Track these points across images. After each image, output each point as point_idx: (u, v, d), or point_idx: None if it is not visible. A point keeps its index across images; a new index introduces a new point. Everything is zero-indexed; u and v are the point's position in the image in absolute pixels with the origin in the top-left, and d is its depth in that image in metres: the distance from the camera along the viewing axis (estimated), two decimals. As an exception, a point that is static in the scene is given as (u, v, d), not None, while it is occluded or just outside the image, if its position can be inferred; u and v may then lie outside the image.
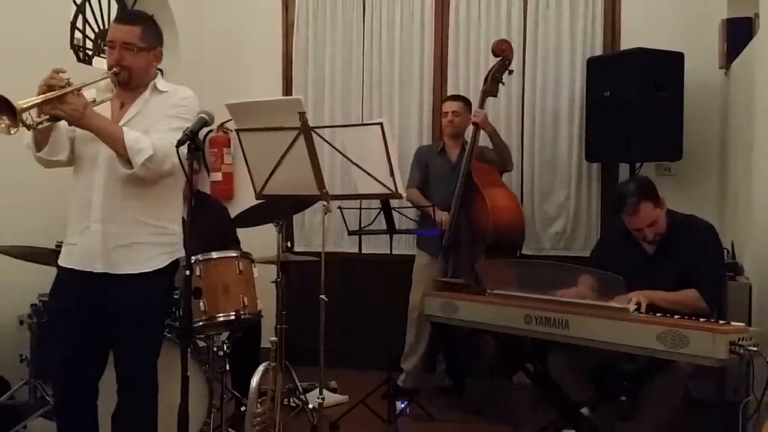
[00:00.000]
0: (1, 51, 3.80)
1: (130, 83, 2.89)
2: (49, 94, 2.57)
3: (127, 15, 2.96)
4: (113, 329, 2.87)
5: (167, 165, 2.78)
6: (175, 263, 2.98)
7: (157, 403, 2.98)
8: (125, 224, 2.84)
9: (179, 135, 2.68)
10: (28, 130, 2.62)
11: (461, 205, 4.63)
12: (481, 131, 4.69)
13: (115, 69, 2.84)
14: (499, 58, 4.73)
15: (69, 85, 2.62)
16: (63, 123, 2.73)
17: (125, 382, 2.91)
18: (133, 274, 2.85)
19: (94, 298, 2.84)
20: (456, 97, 4.95)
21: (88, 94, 2.78)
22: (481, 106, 4.74)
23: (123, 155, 2.72)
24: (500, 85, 4.77)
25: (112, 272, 2.83)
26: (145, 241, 2.88)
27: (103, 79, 2.85)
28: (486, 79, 4.77)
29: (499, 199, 4.62)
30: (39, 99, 2.55)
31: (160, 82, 2.99)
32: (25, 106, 2.49)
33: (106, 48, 2.93)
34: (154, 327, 3.00)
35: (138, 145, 2.71)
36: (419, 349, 4.87)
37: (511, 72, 4.80)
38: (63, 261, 2.92)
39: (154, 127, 2.82)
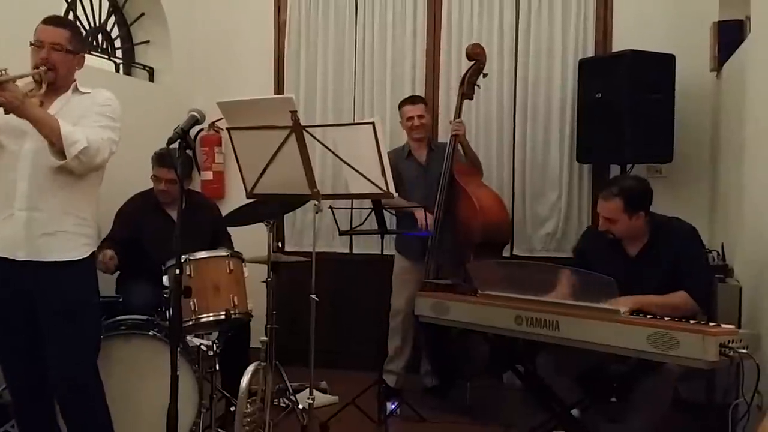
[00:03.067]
0: (-9, 47, 3.79)
1: (54, 83, 2.94)
2: None
3: (56, 18, 3.04)
4: (43, 326, 2.88)
5: (98, 159, 2.87)
6: (93, 256, 3.05)
7: (104, 402, 3.00)
8: (52, 213, 2.89)
9: (110, 133, 2.88)
10: None
11: (444, 206, 4.64)
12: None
13: (43, 68, 2.88)
14: (474, 62, 4.77)
15: (5, 75, 2.66)
16: None
17: (61, 386, 2.92)
18: (58, 261, 2.88)
19: (24, 290, 2.86)
20: (416, 99, 4.93)
21: (22, 87, 2.81)
22: (459, 108, 4.79)
23: (56, 145, 2.76)
24: (476, 87, 4.82)
25: (35, 260, 2.85)
26: (70, 231, 2.93)
27: (34, 73, 2.88)
28: (462, 83, 4.80)
29: (485, 199, 4.68)
30: None
31: (80, 85, 3.06)
32: None
33: (31, 47, 2.96)
34: (87, 324, 2.99)
35: (73, 136, 2.77)
36: (405, 352, 4.87)
37: (485, 75, 4.84)
38: None
39: (80, 124, 2.86)
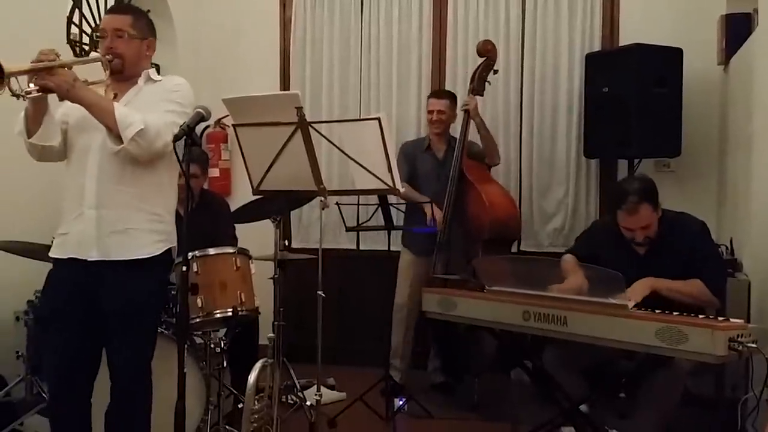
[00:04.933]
0: (-3, 46, 3.79)
1: (122, 72, 2.88)
2: (39, 64, 2.58)
3: (118, 5, 2.99)
4: (108, 324, 2.84)
5: (159, 143, 2.75)
6: (168, 253, 2.96)
7: (151, 401, 2.96)
8: (121, 209, 2.81)
9: (174, 117, 2.75)
10: (17, 99, 2.59)
11: (453, 202, 4.63)
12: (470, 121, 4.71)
13: (108, 56, 2.83)
14: (484, 59, 4.76)
15: (57, 60, 2.62)
16: (57, 113, 2.74)
17: (119, 380, 2.88)
18: (129, 260, 2.81)
19: (90, 290, 2.80)
20: (442, 94, 4.92)
21: (81, 76, 2.76)
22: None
23: (113, 129, 2.69)
24: (486, 84, 4.79)
25: (107, 259, 2.79)
26: (141, 227, 2.85)
27: (94, 60, 2.84)
28: (473, 78, 4.79)
29: (495, 195, 4.66)
30: (28, 66, 2.56)
31: (153, 73, 2.99)
32: (14, 69, 2.50)
33: (98, 40, 2.93)
34: (149, 323, 2.97)
35: (128, 119, 2.68)
36: (407, 348, 4.85)
37: (496, 72, 4.83)
38: (56, 252, 2.88)
39: (148, 110, 2.79)
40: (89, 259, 2.79)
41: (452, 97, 4.91)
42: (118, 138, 2.69)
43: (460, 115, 4.84)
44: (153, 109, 2.80)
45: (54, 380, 2.97)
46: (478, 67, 4.78)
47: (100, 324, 2.84)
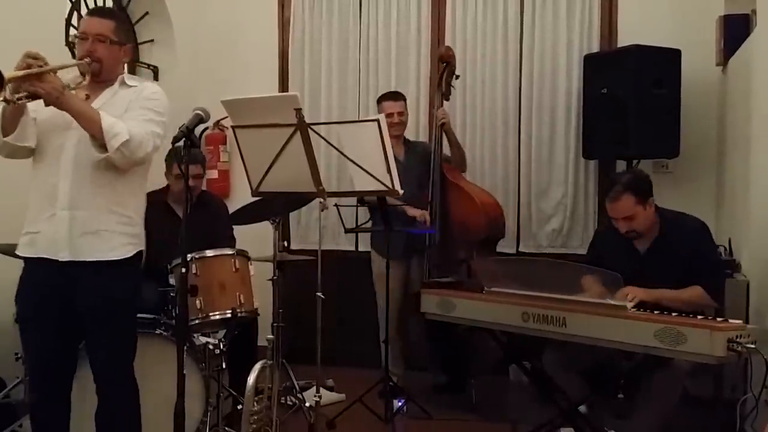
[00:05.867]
0: (-4, 48, 3.79)
1: (99, 75, 2.90)
2: (31, 70, 2.57)
3: (101, 9, 3.00)
4: (85, 326, 2.86)
5: (141, 153, 2.79)
6: (139, 256, 2.97)
7: (139, 399, 2.98)
8: (94, 211, 2.82)
9: (154, 127, 2.80)
10: (7, 104, 2.60)
11: (440, 205, 4.63)
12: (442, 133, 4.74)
13: (87, 59, 2.85)
14: (446, 64, 4.78)
15: (45, 66, 2.62)
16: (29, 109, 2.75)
17: (102, 381, 2.90)
18: (100, 261, 2.82)
19: (64, 291, 2.82)
20: (398, 96, 4.88)
21: (70, 79, 2.78)
22: (441, 106, 4.78)
23: (98, 138, 2.70)
24: (452, 88, 4.83)
25: (78, 260, 2.80)
26: (112, 230, 2.86)
27: (77, 64, 2.85)
28: (440, 84, 4.79)
29: (483, 195, 4.70)
30: (22, 73, 2.56)
31: (128, 78, 3.02)
32: (11, 76, 2.51)
33: (77, 40, 2.93)
34: (125, 323, 2.97)
35: (114, 129, 2.70)
36: (395, 351, 4.78)
37: (457, 77, 4.86)
38: (25, 250, 2.89)
39: (124, 117, 2.81)
40: (60, 260, 2.80)
41: (404, 97, 4.91)
42: (102, 146, 2.71)
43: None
44: (130, 115, 2.83)
45: (32, 381, 3.01)
46: (443, 73, 4.78)
47: (76, 324, 2.86)
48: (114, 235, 2.86)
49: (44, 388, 2.93)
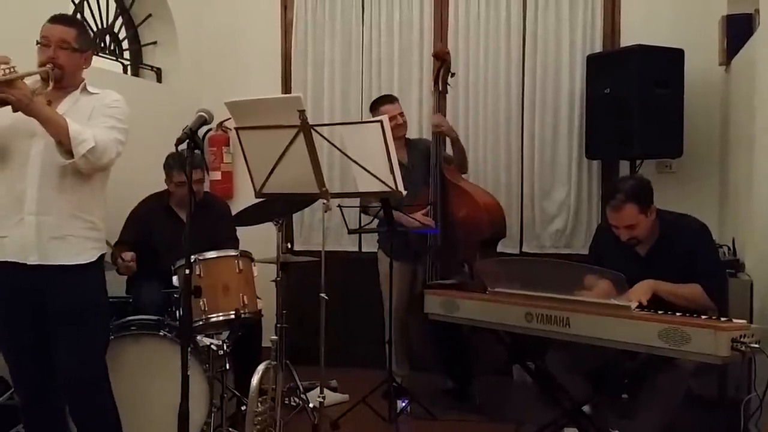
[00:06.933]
0: (-1, 50, 3.80)
1: (61, 82, 2.93)
2: (6, 76, 2.61)
3: (63, 16, 3.03)
4: (52, 329, 2.89)
5: (105, 159, 2.87)
6: (101, 259, 3.04)
7: (113, 403, 3.01)
8: (60, 217, 2.88)
9: (117, 134, 2.89)
10: None
11: (441, 206, 4.61)
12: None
13: (50, 66, 2.87)
14: (442, 61, 4.76)
15: (14, 73, 2.65)
16: None
17: (70, 387, 2.93)
18: (67, 265, 2.88)
19: (34, 293, 2.86)
20: (394, 99, 4.86)
21: (29, 85, 2.80)
22: (439, 108, 4.75)
23: (64, 144, 2.75)
24: (448, 86, 4.82)
25: (45, 263, 2.85)
26: (78, 234, 2.93)
27: (41, 71, 2.87)
28: (436, 82, 4.77)
29: (484, 196, 4.70)
30: None
31: (89, 85, 3.06)
32: None
33: (38, 46, 2.96)
34: (95, 326, 3.00)
35: (81, 135, 2.76)
36: (399, 353, 4.80)
37: (453, 75, 4.84)
38: None
39: (88, 124, 2.86)
40: (28, 263, 2.85)
41: (398, 99, 4.90)
42: (68, 152, 2.76)
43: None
44: (94, 122, 2.89)
45: (15, 386, 3.07)
46: (439, 71, 4.76)
47: (48, 327, 2.90)
48: (80, 240, 2.94)
49: (29, 391, 2.98)
